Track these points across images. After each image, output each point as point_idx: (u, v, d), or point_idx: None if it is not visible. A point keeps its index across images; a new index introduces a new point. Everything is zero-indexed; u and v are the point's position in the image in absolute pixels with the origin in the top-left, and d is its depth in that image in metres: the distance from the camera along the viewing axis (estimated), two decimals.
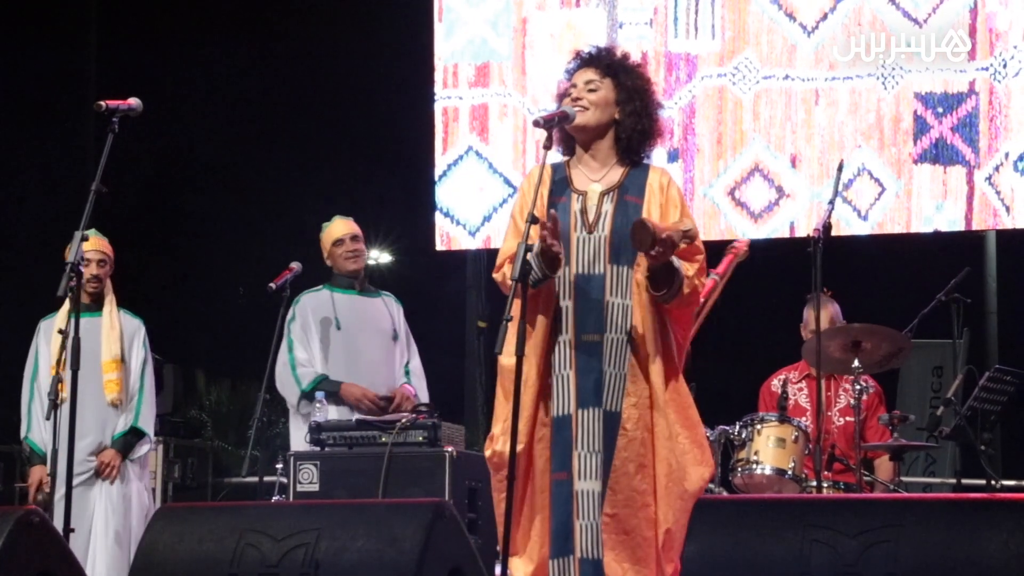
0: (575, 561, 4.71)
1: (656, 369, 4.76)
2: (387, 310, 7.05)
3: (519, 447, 4.70)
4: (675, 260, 4.71)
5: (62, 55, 12.18)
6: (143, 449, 6.96)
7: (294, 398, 6.84)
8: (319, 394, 6.75)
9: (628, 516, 4.71)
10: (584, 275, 4.79)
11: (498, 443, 4.72)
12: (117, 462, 6.82)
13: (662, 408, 4.74)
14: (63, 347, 5.51)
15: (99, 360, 6.81)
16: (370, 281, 7.28)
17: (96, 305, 6.90)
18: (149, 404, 6.98)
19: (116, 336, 6.85)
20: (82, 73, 12.37)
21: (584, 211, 4.84)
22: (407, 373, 6.99)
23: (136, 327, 7.01)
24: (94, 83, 12.27)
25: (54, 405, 5.87)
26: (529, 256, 4.59)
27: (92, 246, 6.87)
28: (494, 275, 4.89)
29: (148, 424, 6.95)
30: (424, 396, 6.93)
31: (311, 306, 6.95)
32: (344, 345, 6.90)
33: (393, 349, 7.00)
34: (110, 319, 6.88)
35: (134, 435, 6.88)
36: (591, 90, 4.89)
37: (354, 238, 7.06)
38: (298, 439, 6.83)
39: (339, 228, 7.06)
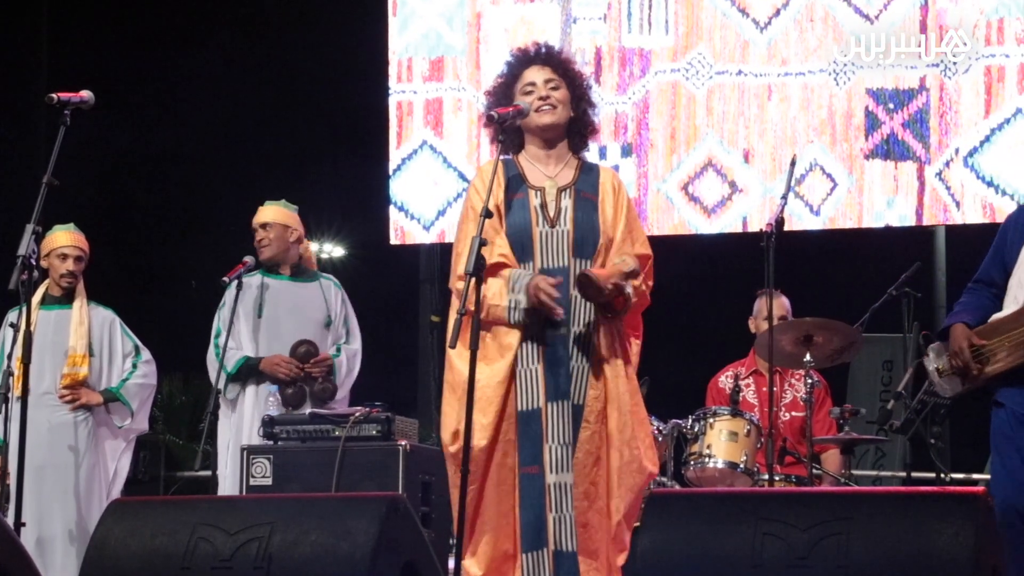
0: (549, 554, 4.73)
1: (614, 363, 4.81)
2: (322, 295, 6.94)
3: (483, 443, 4.73)
4: (626, 285, 4.78)
5: (13, 47, 12.09)
6: (115, 417, 6.93)
7: (221, 383, 6.81)
8: (272, 388, 6.74)
9: (585, 509, 4.75)
10: (548, 269, 4.83)
11: (473, 438, 4.73)
12: (83, 397, 6.80)
13: (618, 401, 4.79)
14: (14, 341, 5.49)
15: (66, 353, 6.80)
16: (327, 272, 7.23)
17: (67, 298, 6.89)
18: (136, 384, 6.95)
19: (84, 331, 6.83)
20: (34, 65, 12.29)
21: (544, 206, 4.88)
22: (337, 350, 6.90)
23: (109, 319, 6.99)
24: (46, 75, 12.19)
25: (4, 399, 5.85)
26: (520, 304, 4.66)
27: (70, 241, 6.88)
28: (452, 285, 4.88)
29: (130, 396, 6.92)
30: (341, 374, 6.82)
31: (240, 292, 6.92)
32: (266, 331, 6.86)
33: (324, 335, 6.90)
34: (79, 313, 6.86)
35: (110, 396, 6.89)
36: (554, 88, 4.93)
37: (264, 226, 6.96)
38: (225, 427, 6.82)
39: (258, 214, 6.99)
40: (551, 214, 4.88)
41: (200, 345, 6.99)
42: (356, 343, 6.97)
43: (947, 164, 9.49)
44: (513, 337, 4.79)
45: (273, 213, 6.96)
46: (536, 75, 4.94)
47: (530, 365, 4.79)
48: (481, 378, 4.68)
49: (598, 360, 4.80)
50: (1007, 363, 5.10)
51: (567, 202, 4.89)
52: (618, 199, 4.92)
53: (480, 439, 4.72)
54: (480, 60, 10.11)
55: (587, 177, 4.95)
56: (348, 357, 6.89)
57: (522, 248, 4.83)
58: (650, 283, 4.93)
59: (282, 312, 6.88)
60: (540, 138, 4.96)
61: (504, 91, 4.98)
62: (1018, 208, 5.44)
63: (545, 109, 4.89)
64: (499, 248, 4.79)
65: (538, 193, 4.90)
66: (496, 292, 4.73)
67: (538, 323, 4.77)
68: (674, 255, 6.80)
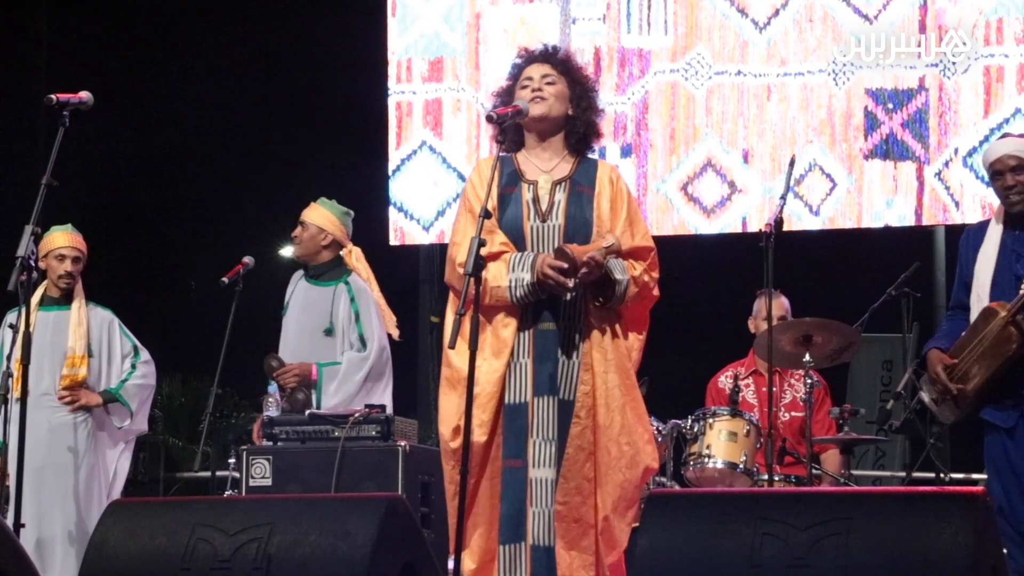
0: (527, 548, 4.74)
1: (606, 359, 4.81)
2: (331, 300, 6.67)
3: (483, 439, 4.75)
4: (615, 269, 4.77)
5: (13, 47, 12.09)
6: (115, 418, 6.94)
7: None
8: (271, 388, 6.71)
9: (578, 505, 4.76)
10: None
11: (473, 434, 4.74)
12: (82, 398, 6.80)
13: (610, 397, 4.79)
14: (13, 342, 5.50)
15: (64, 354, 6.80)
16: None
17: (65, 299, 6.90)
18: (135, 385, 6.96)
19: (83, 332, 6.83)
20: (34, 65, 12.28)
21: (536, 200, 4.90)
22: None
23: (108, 319, 6.98)
24: (45, 75, 12.19)
25: (4, 400, 5.85)
26: (524, 280, 4.67)
27: (68, 242, 6.89)
28: (448, 279, 4.89)
29: (129, 397, 6.92)
30: (332, 384, 6.53)
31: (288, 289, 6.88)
32: (283, 334, 6.82)
33: (327, 344, 6.64)
34: (78, 314, 6.86)
35: (109, 397, 6.89)
36: (549, 83, 4.96)
37: (301, 224, 6.79)
38: None
39: (304, 213, 6.85)
40: (543, 208, 4.89)
41: (199, 346, 6.99)
42: (367, 349, 6.61)
43: (946, 164, 9.50)
44: (509, 331, 4.80)
45: (311, 213, 6.80)
46: (534, 71, 4.99)
47: (520, 359, 4.81)
48: (480, 374, 4.69)
49: (589, 355, 4.80)
50: (982, 376, 5.14)
51: (561, 196, 4.91)
52: (616, 192, 4.92)
53: (479, 435, 4.74)
54: (479, 61, 10.12)
55: (585, 171, 4.97)
56: (347, 365, 6.57)
57: (515, 243, 4.85)
58: (655, 274, 4.92)
59: (292, 315, 6.82)
60: (534, 132, 4.98)
61: (508, 91, 5.02)
62: (966, 230, 5.50)
63: (536, 100, 4.92)
64: (499, 238, 4.81)
65: (530, 187, 4.92)
66: (497, 274, 4.74)
67: (539, 304, 4.77)
68: (674, 255, 6.78)
